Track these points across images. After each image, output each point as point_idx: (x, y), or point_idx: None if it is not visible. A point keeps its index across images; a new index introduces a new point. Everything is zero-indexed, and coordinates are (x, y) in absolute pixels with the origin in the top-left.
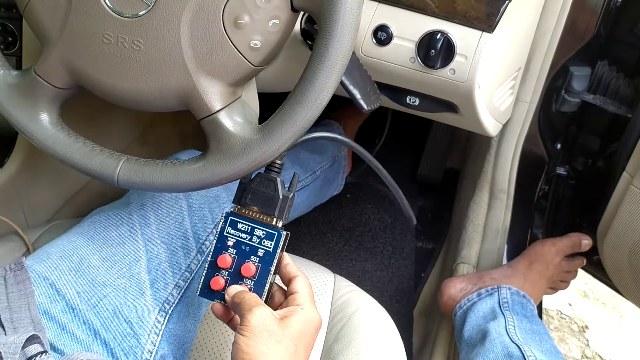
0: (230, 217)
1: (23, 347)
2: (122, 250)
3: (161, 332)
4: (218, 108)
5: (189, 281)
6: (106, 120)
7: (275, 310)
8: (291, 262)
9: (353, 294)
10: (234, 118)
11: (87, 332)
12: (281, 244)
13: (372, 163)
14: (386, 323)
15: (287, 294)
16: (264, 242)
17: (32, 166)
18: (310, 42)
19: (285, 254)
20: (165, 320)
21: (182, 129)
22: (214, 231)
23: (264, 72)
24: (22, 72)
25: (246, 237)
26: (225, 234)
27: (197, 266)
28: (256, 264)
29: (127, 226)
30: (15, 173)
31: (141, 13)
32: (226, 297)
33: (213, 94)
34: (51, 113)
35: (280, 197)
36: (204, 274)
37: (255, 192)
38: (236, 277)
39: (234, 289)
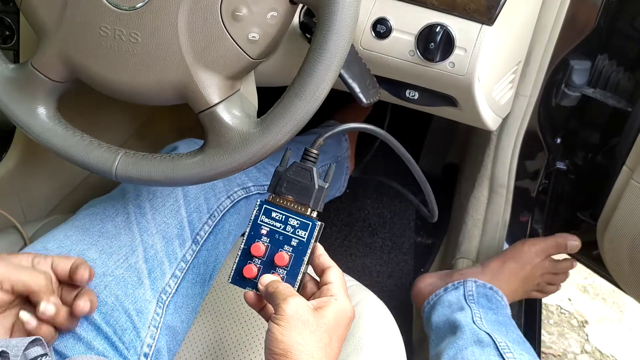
0: (264, 206)
1: (25, 349)
2: (117, 242)
3: (160, 324)
4: (216, 101)
5: (184, 271)
6: (104, 114)
7: (307, 300)
8: (325, 253)
9: (353, 288)
10: (232, 111)
11: (89, 328)
12: (315, 234)
13: (405, 157)
14: (386, 318)
15: (320, 285)
16: (298, 231)
17: (30, 161)
18: (308, 36)
19: (318, 244)
20: (164, 312)
21: (180, 123)
22: (209, 221)
23: (263, 66)
24: (19, 66)
25: (280, 226)
26: (259, 222)
27: (192, 256)
28: (289, 253)
29: (123, 216)
30: (13, 167)
31: (138, 5)
32: (259, 286)
33: (211, 87)
34: (48, 106)
35: (316, 187)
36: (236, 261)
37: (290, 181)
38: (269, 265)
39: (267, 278)
